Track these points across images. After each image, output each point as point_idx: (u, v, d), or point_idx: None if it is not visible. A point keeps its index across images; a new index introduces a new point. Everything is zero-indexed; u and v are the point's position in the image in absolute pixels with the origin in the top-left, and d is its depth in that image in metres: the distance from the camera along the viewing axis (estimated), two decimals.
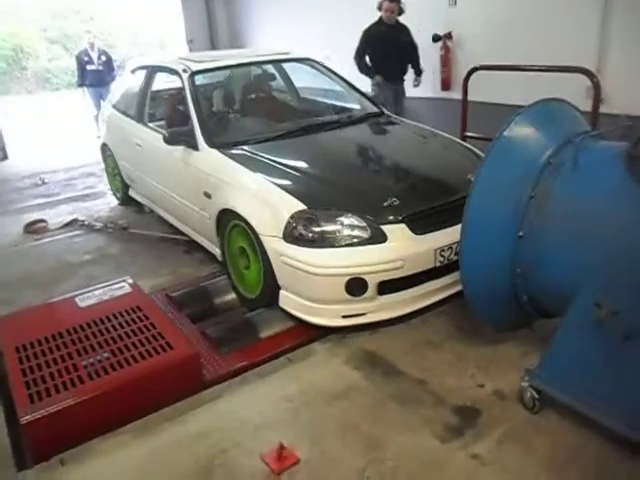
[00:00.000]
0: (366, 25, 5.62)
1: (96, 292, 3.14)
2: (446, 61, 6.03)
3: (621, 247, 1.95)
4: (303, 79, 4.98)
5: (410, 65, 5.72)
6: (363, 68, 5.64)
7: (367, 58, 5.65)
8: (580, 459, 2.07)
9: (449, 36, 5.93)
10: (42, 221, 5.06)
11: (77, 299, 3.08)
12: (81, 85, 8.33)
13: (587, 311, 1.96)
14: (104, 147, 5.51)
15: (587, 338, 2.00)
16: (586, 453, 2.09)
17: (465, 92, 4.76)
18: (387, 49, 5.52)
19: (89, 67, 8.17)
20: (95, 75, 8.17)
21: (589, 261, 2.03)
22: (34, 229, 4.94)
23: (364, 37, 5.60)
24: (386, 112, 4.31)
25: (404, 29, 5.61)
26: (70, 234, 4.84)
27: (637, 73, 4.33)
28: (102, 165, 5.90)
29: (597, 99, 3.92)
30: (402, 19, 5.60)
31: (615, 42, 4.52)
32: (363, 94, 4.43)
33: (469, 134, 4.78)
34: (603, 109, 4.16)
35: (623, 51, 4.47)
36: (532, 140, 2.30)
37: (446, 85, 6.12)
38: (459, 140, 4.04)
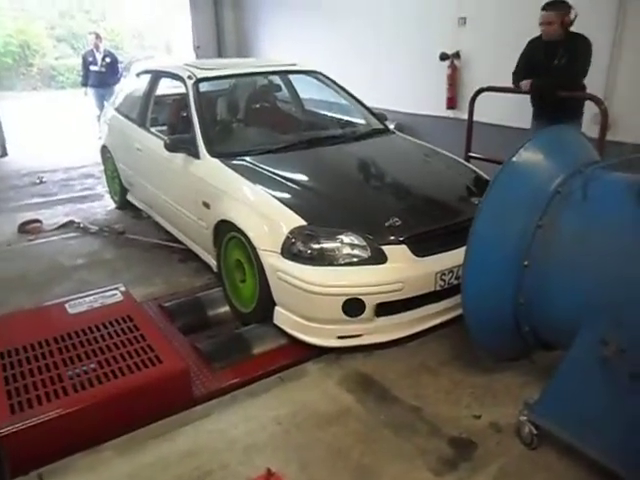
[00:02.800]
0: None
1: (87, 299, 3.06)
2: (452, 80, 6.00)
3: (630, 283, 1.89)
4: (309, 91, 4.95)
5: None
6: None
7: None
8: None
9: (457, 55, 5.91)
10: (37, 221, 4.99)
11: (67, 305, 3.00)
12: (84, 85, 8.31)
13: (592, 347, 1.90)
14: (104, 149, 5.46)
15: (591, 375, 1.94)
16: None
17: (471, 112, 4.73)
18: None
19: (92, 68, 8.15)
20: (97, 76, 8.14)
21: (596, 296, 1.97)
22: (28, 229, 4.86)
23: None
24: (391, 129, 4.27)
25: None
26: (65, 236, 4.77)
27: None
28: (101, 167, 5.84)
29: (604, 126, 3.89)
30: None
31: (623, 69, 4.49)
32: (368, 109, 4.38)
33: (473, 155, 4.74)
34: (610, 136, 4.13)
35: (631, 78, 4.44)
36: (541, 167, 2.25)
37: (451, 104, 6.09)
38: (463, 161, 3.99)
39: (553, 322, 2.20)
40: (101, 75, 8.16)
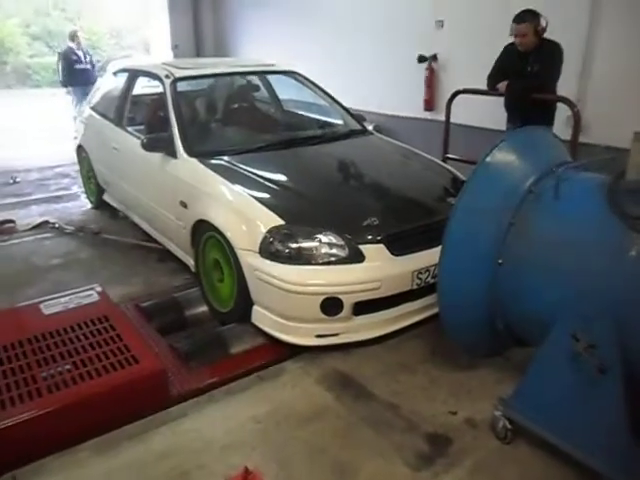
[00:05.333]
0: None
1: (62, 299, 3.02)
2: (430, 82, 6.07)
3: (599, 280, 1.94)
4: (287, 91, 4.96)
5: None
6: None
7: None
8: None
9: (434, 58, 5.98)
10: (10, 221, 4.90)
11: (42, 305, 2.96)
12: (67, 84, 8.11)
13: (563, 343, 1.94)
14: (80, 149, 5.38)
15: (562, 370, 1.98)
16: None
17: (448, 114, 4.80)
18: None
19: (78, 66, 8.00)
20: (84, 74, 8.00)
21: (567, 292, 2.01)
22: (1, 229, 4.76)
23: None
24: (369, 130, 4.31)
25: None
26: (39, 236, 4.69)
27: (617, 104, 4.41)
28: (77, 167, 5.76)
29: (577, 128, 3.98)
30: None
31: (596, 72, 4.61)
32: (347, 110, 4.41)
33: (450, 156, 4.80)
34: (582, 138, 4.23)
35: (603, 82, 4.56)
36: (514, 167, 2.29)
37: (429, 106, 6.16)
38: (440, 162, 4.04)
39: (526, 319, 2.25)
40: (87, 72, 8.03)
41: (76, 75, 8.01)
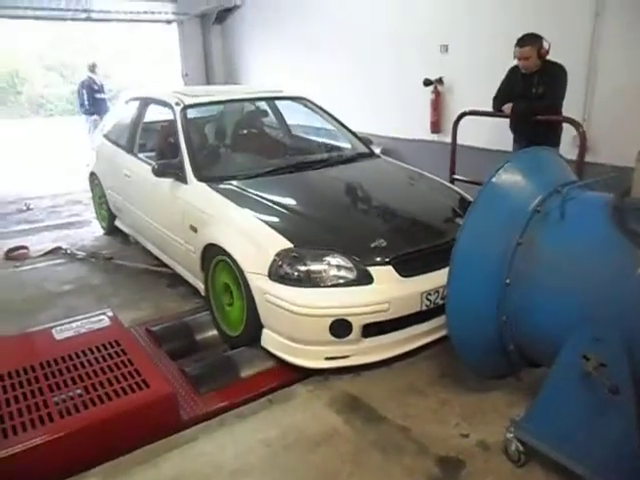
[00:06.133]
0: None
1: (74, 324, 3.05)
2: (436, 105, 6.14)
3: (607, 298, 1.94)
4: (295, 117, 5.04)
5: None
6: None
7: None
8: None
9: (440, 81, 6.05)
10: (23, 247, 4.98)
11: (54, 330, 2.99)
12: (91, 113, 8.32)
13: (574, 363, 1.93)
14: (92, 176, 5.48)
15: (574, 391, 1.97)
16: None
17: (454, 136, 4.84)
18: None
19: (98, 96, 8.26)
20: (102, 104, 8.26)
21: (576, 311, 2.01)
22: (15, 255, 4.85)
23: None
24: (376, 152, 4.36)
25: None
26: (52, 262, 4.75)
27: (622, 123, 4.43)
28: (89, 194, 5.85)
29: (583, 148, 3.99)
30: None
31: (600, 92, 4.64)
32: (354, 134, 4.47)
33: (457, 177, 4.83)
34: (588, 158, 4.25)
35: (607, 102, 4.59)
36: (520, 187, 2.31)
37: (436, 128, 6.22)
38: (447, 183, 4.07)
39: (536, 339, 2.24)
40: (105, 102, 8.29)
41: (97, 105, 8.25)
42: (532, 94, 4.14)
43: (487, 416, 2.55)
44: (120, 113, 5.24)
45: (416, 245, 2.95)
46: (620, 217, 1.99)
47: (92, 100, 8.29)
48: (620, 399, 1.84)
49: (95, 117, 8.25)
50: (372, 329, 2.75)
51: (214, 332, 3.30)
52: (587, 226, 2.13)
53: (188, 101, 4.05)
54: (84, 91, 8.35)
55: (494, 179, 2.31)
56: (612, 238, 1.96)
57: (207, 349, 3.22)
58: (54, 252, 4.94)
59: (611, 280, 1.94)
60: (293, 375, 2.85)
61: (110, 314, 3.16)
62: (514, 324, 2.26)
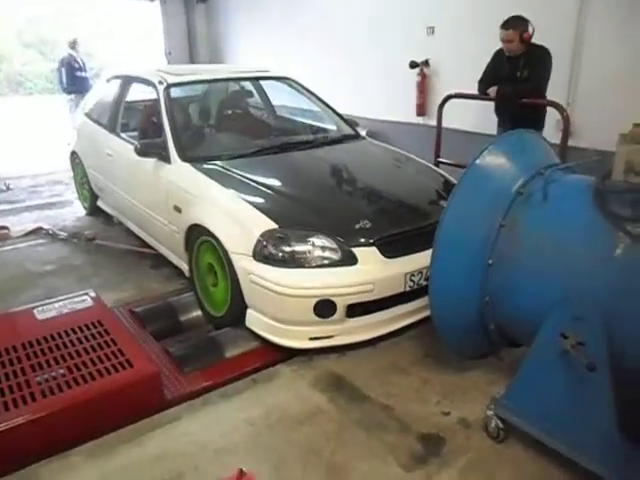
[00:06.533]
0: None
1: (56, 304, 3.03)
2: (422, 87, 6.12)
3: (587, 278, 1.97)
4: (281, 97, 4.99)
5: None
6: None
7: None
8: None
9: (426, 63, 6.03)
10: (4, 228, 4.90)
11: (35, 311, 2.96)
12: (71, 92, 8.11)
13: (553, 342, 1.97)
14: (73, 155, 5.39)
15: (552, 369, 2.01)
16: None
17: (439, 119, 4.84)
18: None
19: (79, 74, 8.04)
20: (83, 82, 8.04)
21: (556, 291, 2.04)
22: None
23: None
24: (362, 134, 4.34)
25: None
26: (33, 243, 4.69)
27: (605, 108, 4.46)
28: (70, 173, 5.76)
29: (566, 132, 4.02)
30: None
31: (585, 77, 4.67)
32: (340, 115, 4.45)
33: (442, 160, 4.84)
34: (572, 142, 4.28)
35: (591, 87, 4.62)
36: (504, 170, 2.33)
37: (421, 111, 6.21)
38: (432, 166, 4.08)
39: (517, 319, 2.27)
40: (86, 81, 8.07)
41: (77, 83, 8.04)
42: (517, 77, 4.15)
43: (468, 394, 2.60)
44: (102, 92, 5.14)
45: (400, 227, 2.96)
46: (601, 199, 2.01)
47: (72, 78, 8.06)
48: (597, 376, 1.88)
49: (73, 96, 8.04)
50: (356, 309, 2.77)
51: (198, 313, 3.30)
52: (569, 208, 2.15)
53: (171, 80, 3.99)
54: (64, 69, 8.12)
55: (478, 161, 2.32)
56: (593, 220, 1.99)
57: (191, 330, 3.22)
58: (35, 232, 4.88)
59: (592, 261, 1.98)
60: (277, 355, 2.87)
61: (93, 294, 3.14)
62: (496, 304, 2.29)
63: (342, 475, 2.15)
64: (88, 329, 2.78)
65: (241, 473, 2.05)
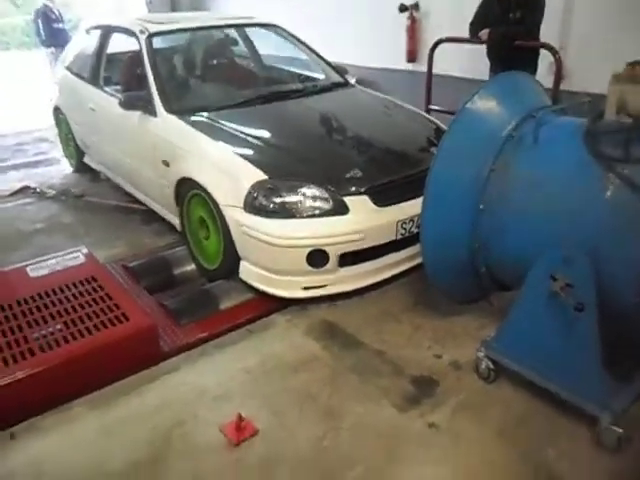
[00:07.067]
0: None
1: (49, 262, 3.02)
2: (412, 32, 5.97)
3: (576, 220, 1.98)
4: (267, 46, 4.85)
5: None
6: None
7: None
8: (531, 425, 2.14)
9: (416, 6, 5.85)
10: None
11: (28, 269, 2.96)
12: (50, 45, 7.79)
13: (542, 283, 2.00)
14: (57, 111, 5.26)
15: (541, 310, 2.05)
16: (537, 420, 2.16)
17: (430, 64, 4.74)
18: None
19: (56, 25, 7.71)
20: (61, 34, 7.73)
21: (545, 233, 2.06)
22: None
23: None
24: (351, 82, 4.25)
25: None
26: (21, 202, 4.64)
27: (598, 50, 4.38)
28: (55, 130, 5.63)
29: (559, 75, 3.97)
30: None
31: (577, 21, 4.56)
32: (328, 63, 4.34)
33: (433, 107, 4.77)
34: (565, 86, 4.22)
35: (584, 30, 4.52)
36: (494, 113, 2.30)
37: (411, 57, 6.08)
38: (423, 113, 4.02)
39: (507, 262, 2.30)
40: (64, 33, 7.76)
41: (56, 35, 7.73)
42: (509, 18, 4.04)
43: (459, 338, 2.66)
44: (82, 43, 4.97)
45: (391, 175, 2.94)
46: (592, 141, 2.00)
47: (50, 30, 7.75)
48: (585, 317, 1.92)
49: (53, 49, 7.77)
50: (348, 258, 2.78)
51: (192, 266, 3.31)
52: (560, 150, 2.14)
53: (153, 29, 3.86)
54: (40, 20, 7.80)
55: (468, 105, 2.29)
56: (584, 162, 1.98)
57: (185, 283, 3.24)
58: (23, 191, 4.81)
59: (581, 202, 1.98)
60: (271, 306, 2.90)
61: (85, 251, 3.13)
62: (486, 248, 2.31)
63: (337, 417, 2.22)
64: (82, 285, 2.79)
65: (240, 418, 2.12)
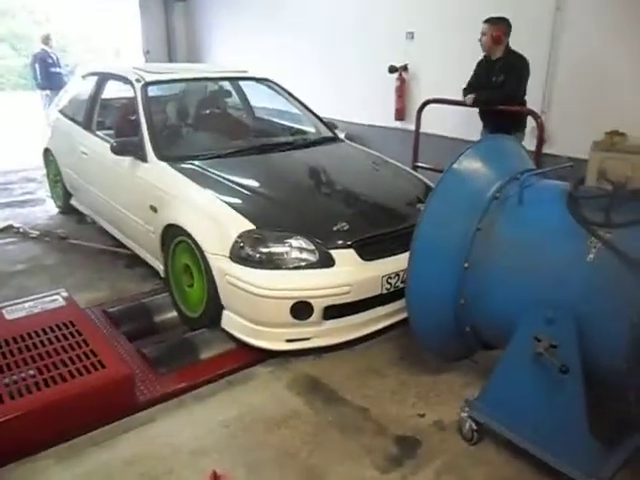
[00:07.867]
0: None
1: (26, 304, 2.95)
2: (401, 92, 6.17)
3: (560, 282, 2.00)
4: (260, 99, 4.97)
5: None
6: None
7: None
8: None
9: (405, 68, 6.08)
10: None
11: (4, 311, 2.89)
12: (46, 88, 7.93)
13: (527, 344, 1.99)
14: (47, 152, 5.28)
15: (526, 371, 2.03)
16: None
17: (418, 124, 4.88)
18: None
19: (53, 69, 7.88)
20: (57, 78, 7.88)
21: (530, 294, 2.07)
22: None
23: None
24: (340, 137, 4.35)
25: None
26: (3, 241, 4.58)
27: (580, 116, 4.56)
28: (43, 171, 5.64)
29: (541, 139, 4.11)
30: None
31: (559, 85, 4.76)
32: (319, 117, 4.45)
33: (420, 164, 4.88)
34: (547, 149, 4.36)
35: (566, 96, 4.71)
36: (480, 174, 2.35)
37: (400, 115, 6.26)
38: (410, 170, 4.11)
39: (492, 322, 2.30)
40: (60, 77, 7.92)
41: (52, 78, 7.88)
42: (492, 82, 4.23)
43: (443, 396, 2.62)
44: (77, 88, 5.05)
45: (378, 229, 2.97)
46: (574, 205, 2.05)
47: (47, 74, 7.92)
48: (570, 379, 1.91)
49: (48, 92, 7.90)
50: (333, 311, 2.76)
51: (173, 314, 3.26)
52: (543, 212, 2.19)
53: (149, 78, 3.94)
54: (37, 64, 7.97)
55: (455, 165, 2.35)
56: (567, 224, 2.02)
57: (166, 331, 3.18)
58: (6, 230, 4.76)
59: (565, 264, 2.01)
60: (253, 357, 2.85)
61: (65, 294, 3.07)
62: (471, 307, 2.31)
63: (319, 477, 2.14)
64: (59, 329, 2.71)
65: (215, 476, 2.04)
